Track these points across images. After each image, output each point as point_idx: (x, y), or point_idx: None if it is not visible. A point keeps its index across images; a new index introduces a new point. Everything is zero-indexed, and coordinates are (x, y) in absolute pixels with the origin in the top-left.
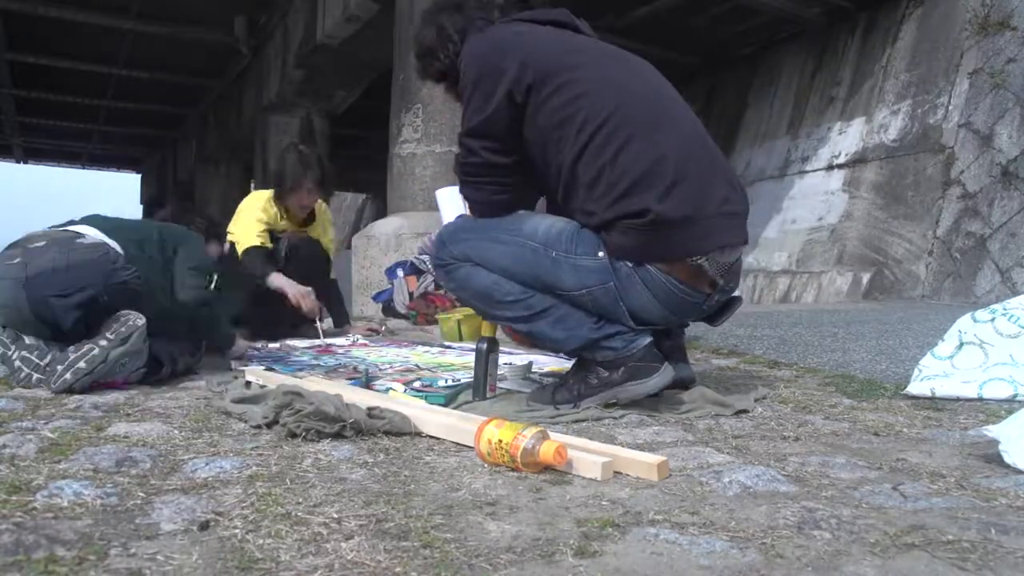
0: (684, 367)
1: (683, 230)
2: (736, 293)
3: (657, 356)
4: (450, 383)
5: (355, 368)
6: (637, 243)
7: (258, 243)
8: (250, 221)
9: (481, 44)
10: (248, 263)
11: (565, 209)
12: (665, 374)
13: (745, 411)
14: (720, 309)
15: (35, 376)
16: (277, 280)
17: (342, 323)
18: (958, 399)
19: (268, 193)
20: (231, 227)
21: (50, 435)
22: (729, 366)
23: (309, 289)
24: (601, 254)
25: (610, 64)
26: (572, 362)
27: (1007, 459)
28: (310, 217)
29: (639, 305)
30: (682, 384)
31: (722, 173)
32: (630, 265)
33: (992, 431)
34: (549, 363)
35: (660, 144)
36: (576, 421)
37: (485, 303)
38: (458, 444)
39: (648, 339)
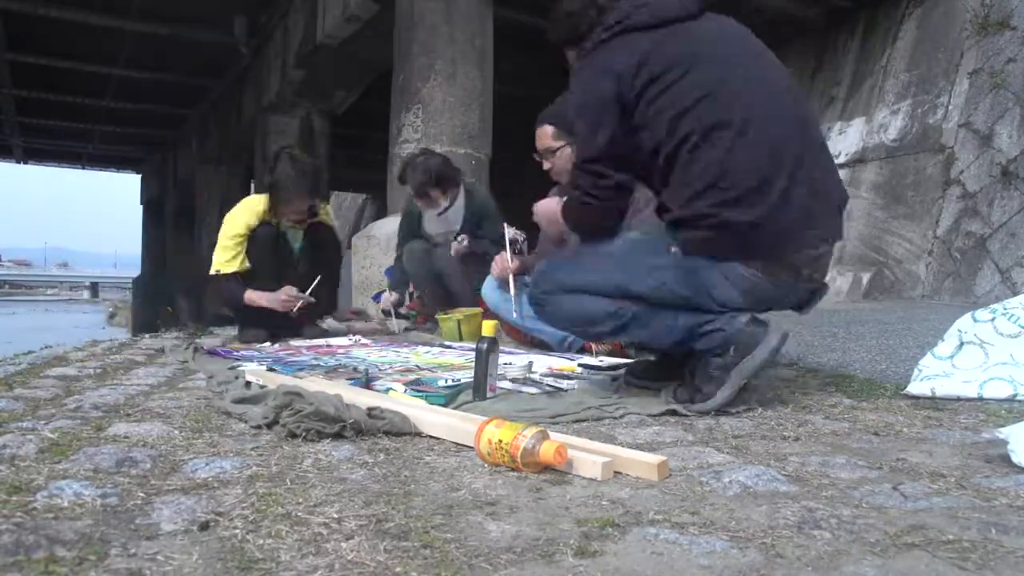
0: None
1: (762, 234)
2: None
3: (759, 321)
4: (450, 383)
5: (355, 368)
6: (711, 241)
7: (228, 270)
8: (226, 242)
9: (587, 71)
10: (218, 292)
11: (659, 195)
12: (776, 331)
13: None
14: (808, 297)
15: None
16: (251, 296)
17: (331, 310)
18: (958, 399)
19: (261, 199)
20: (220, 239)
21: (50, 435)
22: None
23: (284, 289)
24: (674, 249)
25: (718, 58)
26: (575, 360)
27: (1015, 459)
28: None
29: (721, 296)
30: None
31: (816, 170)
32: (706, 259)
33: (1004, 432)
34: (549, 363)
35: (746, 148)
36: (576, 421)
37: (580, 325)
38: (458, 444)
39: (747, 314)
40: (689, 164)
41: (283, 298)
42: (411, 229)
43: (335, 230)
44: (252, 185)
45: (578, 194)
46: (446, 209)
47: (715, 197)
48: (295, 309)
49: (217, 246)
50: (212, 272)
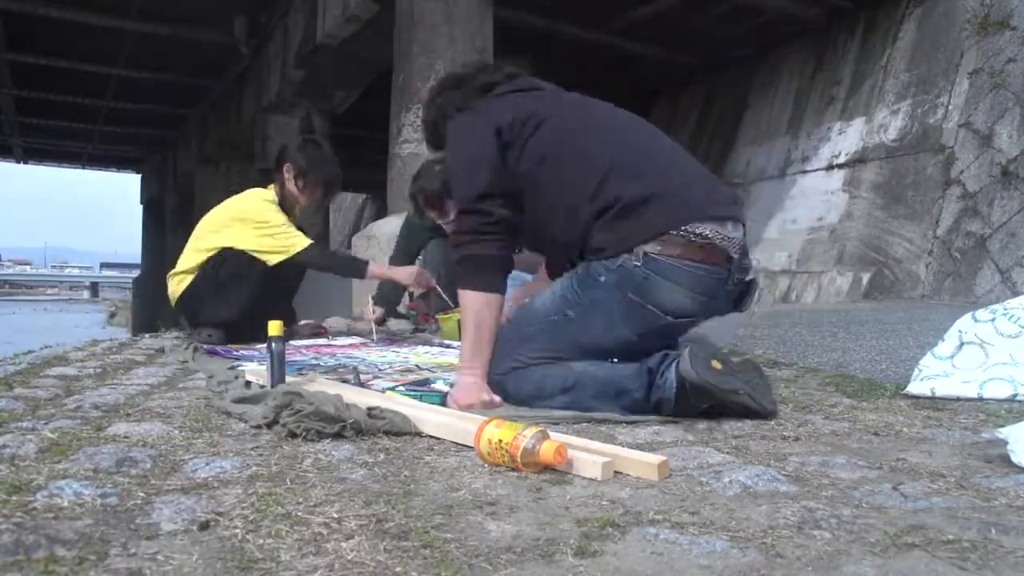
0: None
1: (661, 202)
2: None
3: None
4: (446, 382)
5: (354, 368)
6: (621, 233)
7: (309, 241)
8: (284, 222)
9: (466, 119)
10: (335, 264)
11: (565, 237)
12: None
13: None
14: (741, 293)
15: None
16: (378, 269)
17: (289, 322)
18: (958, 399)
19: (268, 194)
20: (263, 235)
21: (50, 435)
22: None
23: (415, 268)
24: (603, 278)
25: (570, 109)
26: None
27: (1014, 459)
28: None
29: (669, 300)
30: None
31: (703, 172)
32: (638, 264)
33: (1004, 432)
34: None
35: (624, 150)
36: (576, 421)
37: (541, 402)
38: (458, 444)
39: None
40: (579, 163)
41: (420, 273)
42: (412, 234)
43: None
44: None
45: (466, 238)
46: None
47: (615, 179)
48: (424, 286)
49: (272, 230)
50: (301, 248)
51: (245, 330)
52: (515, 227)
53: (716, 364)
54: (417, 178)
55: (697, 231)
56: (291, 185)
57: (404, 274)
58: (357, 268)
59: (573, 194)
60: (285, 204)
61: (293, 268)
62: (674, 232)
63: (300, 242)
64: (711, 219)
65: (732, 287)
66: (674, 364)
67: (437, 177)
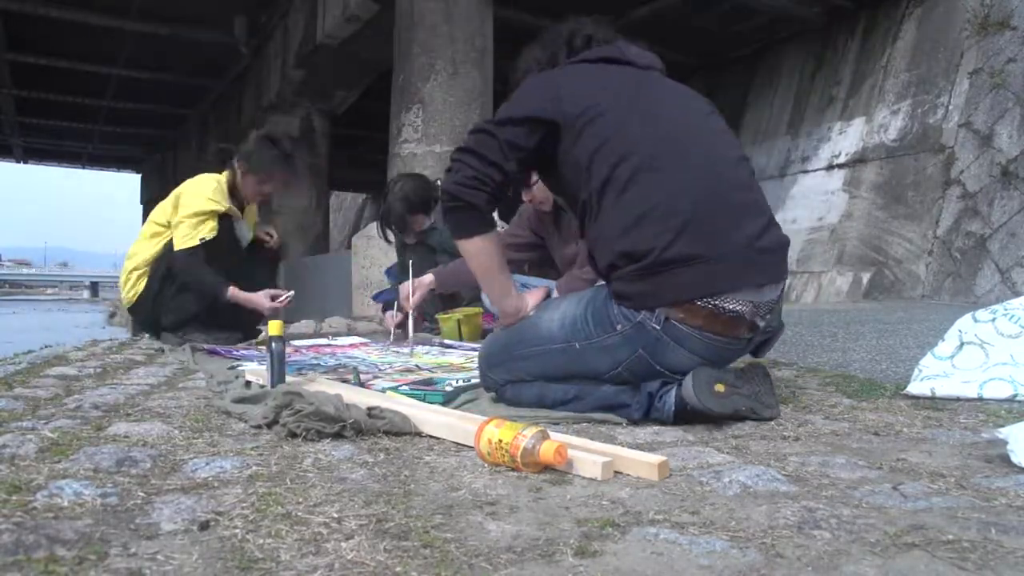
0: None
1: (698, 267)
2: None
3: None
4: (460, 383)
5: (354, 368)
6: (648, 289)
7: (197, 244)
8: (195, 218)
9: (537, 77)
10: (199, 279)
11: (586, 241)
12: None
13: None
14: (764, 341)
15: None
16: (237, 294)
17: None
18: (958, 399)
19: (220, 178)
20: (179, 216)
21: (50, 435)
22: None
23: (266, 292)
24: (619, 327)
25: (643, 101)
26: None
27: (1014, 459)
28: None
29: (677, 362)
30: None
31: (754, 209)
32: (656, 327)
33: (1004, 432)
34: None
35: (677, 182)
36: (576, 421)
37: (542, 408)
38: (458, 444)
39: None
40: (621, 196)
41: (270, 304)
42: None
43: (279, 253)
44: None
45: (456, 175)
46: (432, 224)
47: (653, 227)
48: (281, 303)
49: (186, 219)
50: (180, 248)
51: (213, 319)
52: (504, 198)
53: (719, 387)
54: (384, 205)
55: (727, 306)
56: (240, 178)
57: (259, 302)
58: (217, 291)
59: (606, 218)
60: (236, 192)
61: (218, 247)
62: (701, 303)
63: (187, 242)
64: (749, 288)
65: (752, 344)
66: (674, 388)
67: (398, 202)
